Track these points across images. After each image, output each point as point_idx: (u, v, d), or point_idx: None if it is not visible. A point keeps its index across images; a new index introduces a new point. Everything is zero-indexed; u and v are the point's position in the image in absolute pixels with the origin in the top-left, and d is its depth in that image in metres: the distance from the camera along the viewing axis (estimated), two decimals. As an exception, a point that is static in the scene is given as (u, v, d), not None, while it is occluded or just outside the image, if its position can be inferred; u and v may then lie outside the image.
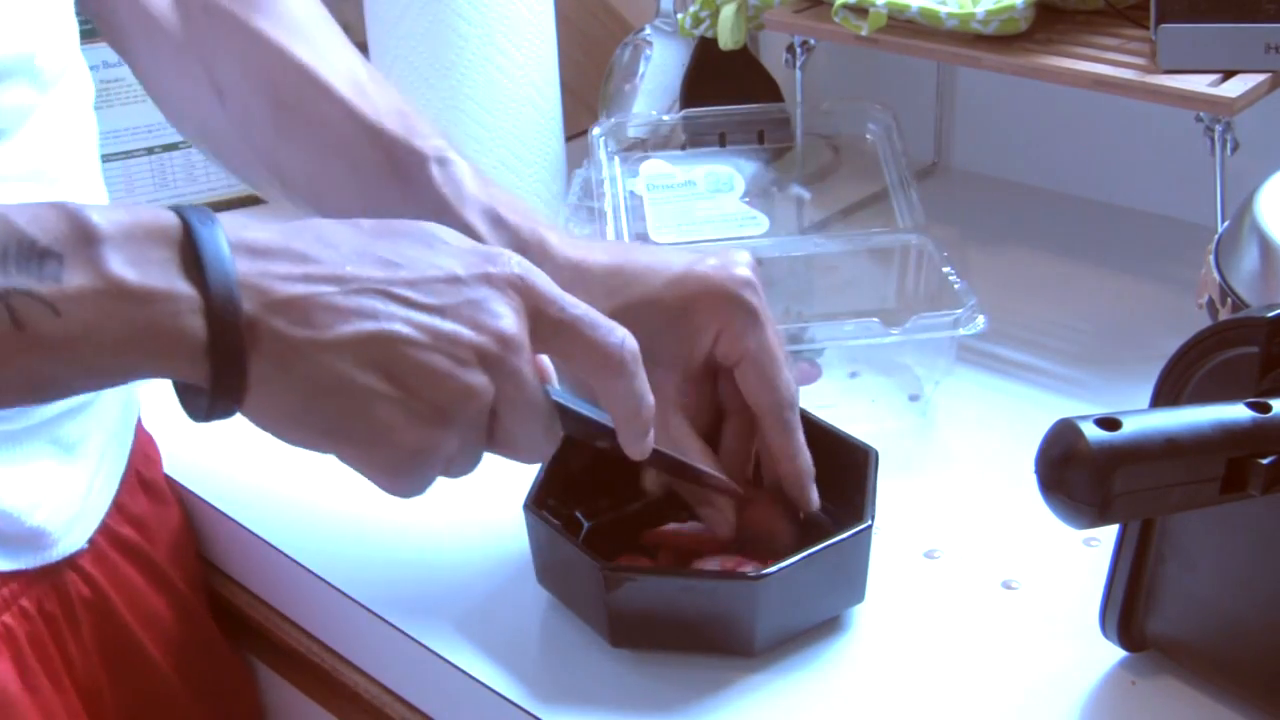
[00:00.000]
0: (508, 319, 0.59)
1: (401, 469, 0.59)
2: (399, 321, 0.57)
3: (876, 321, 0.85)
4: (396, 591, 0.77)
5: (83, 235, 0.54)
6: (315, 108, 0.78)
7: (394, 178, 0.76)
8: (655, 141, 1.05)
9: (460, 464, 0.62)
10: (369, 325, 0.57)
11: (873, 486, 0.73)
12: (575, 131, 1.22)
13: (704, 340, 0.71)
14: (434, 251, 0.60)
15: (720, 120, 1.04)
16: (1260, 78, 0.88)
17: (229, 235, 0.56)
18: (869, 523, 0.71)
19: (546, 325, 0.61)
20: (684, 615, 0.69)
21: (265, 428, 0.59)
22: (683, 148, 1.02)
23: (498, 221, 0.74)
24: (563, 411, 0.64)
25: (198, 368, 0.55)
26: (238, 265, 0.56)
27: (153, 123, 1.20)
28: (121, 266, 0.54)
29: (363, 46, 1.15)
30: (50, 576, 0.78)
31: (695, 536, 0.74)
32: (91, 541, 0.80)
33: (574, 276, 0.71)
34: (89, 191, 0.77)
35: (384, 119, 0.77)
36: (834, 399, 0.87)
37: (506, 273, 0.60)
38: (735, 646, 0.70)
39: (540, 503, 0.72)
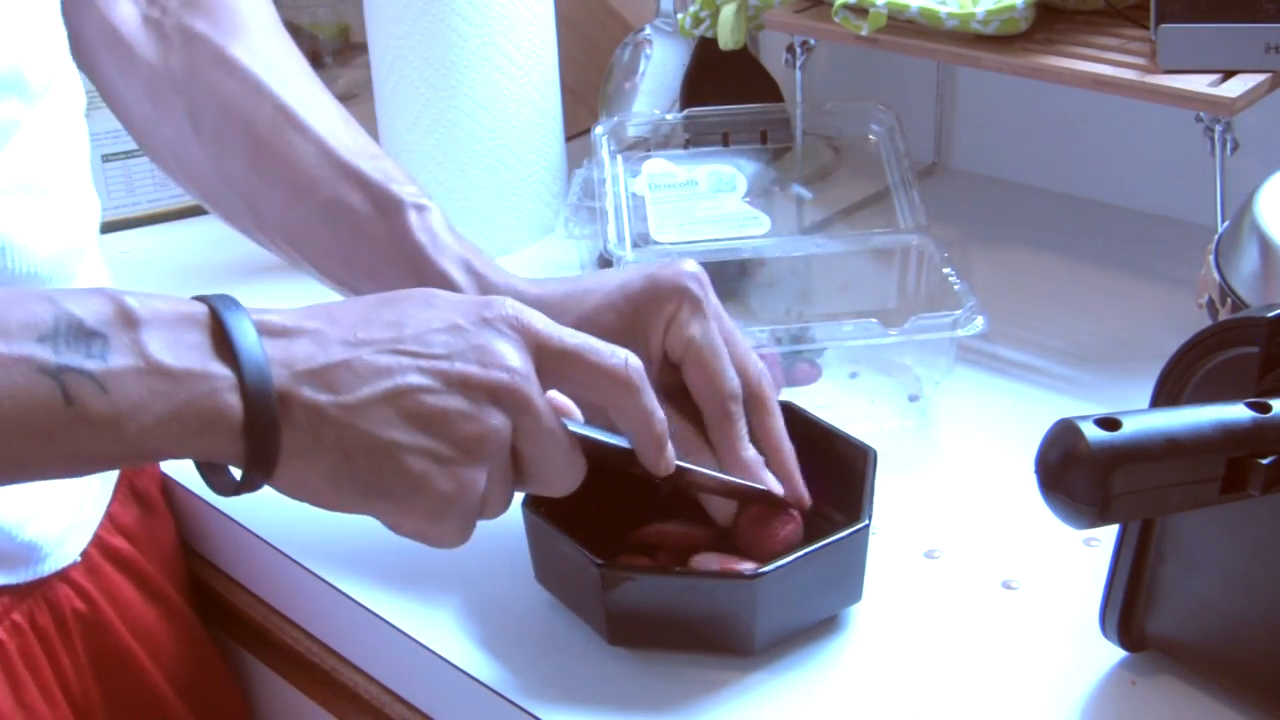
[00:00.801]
0: (512, 355, 0.62)
1: (440, 515, 0.62)
2: (413, 373, 0.61)
3: (875, 322, 0.85)
4: (396, 591, 0.77)
5: (125, 318, 0.57)
6: (291, 146, 0.79)
7: (369, 221, 0.77)
8: (657, 141, 1.05)
9: (494, 503, 0.64)
10: (386, 383, 0.60)
11: (871, 486, 0.73)
12: (575, 131, 1.22)
13: (656, 336, 0.73)
14: (433, 308, 0.63)
15: (723, 120, 1.04)
16: (1260, 78, 0.88)
17: (254, 318, 0.60)
18: (866, 522, 0.71)
19: (550, 358, 0.64)
20: (682, 614, 0.69)
21: (302, 497, 0.61)
22: (685, 146, 1.02)
23: (470, 270, 0.77)
24: (583, 441, 0.66)
25: (233, 443, 0.58)
26: (266, 344, 0.59)
27: (153, 123, 1.20)
28: (161, 350, 0.57)
29: (363, 46, 1.15)
30: (42, 590, 0.77)
31: (691, 534, 0.74)
32: (84, 554, 0.80)
33: (539, 309, 0.72)
34: (79, 202, 0.76)
35: (361, 162, 0.79)
36: (834, 399, 0.87)
37: (503, 314, 0.63)
38: (734, 646, 0.70)
39: (538, 502, 0.72)
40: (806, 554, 0.69)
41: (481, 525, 0.79)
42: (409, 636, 0.74)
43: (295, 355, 0.60)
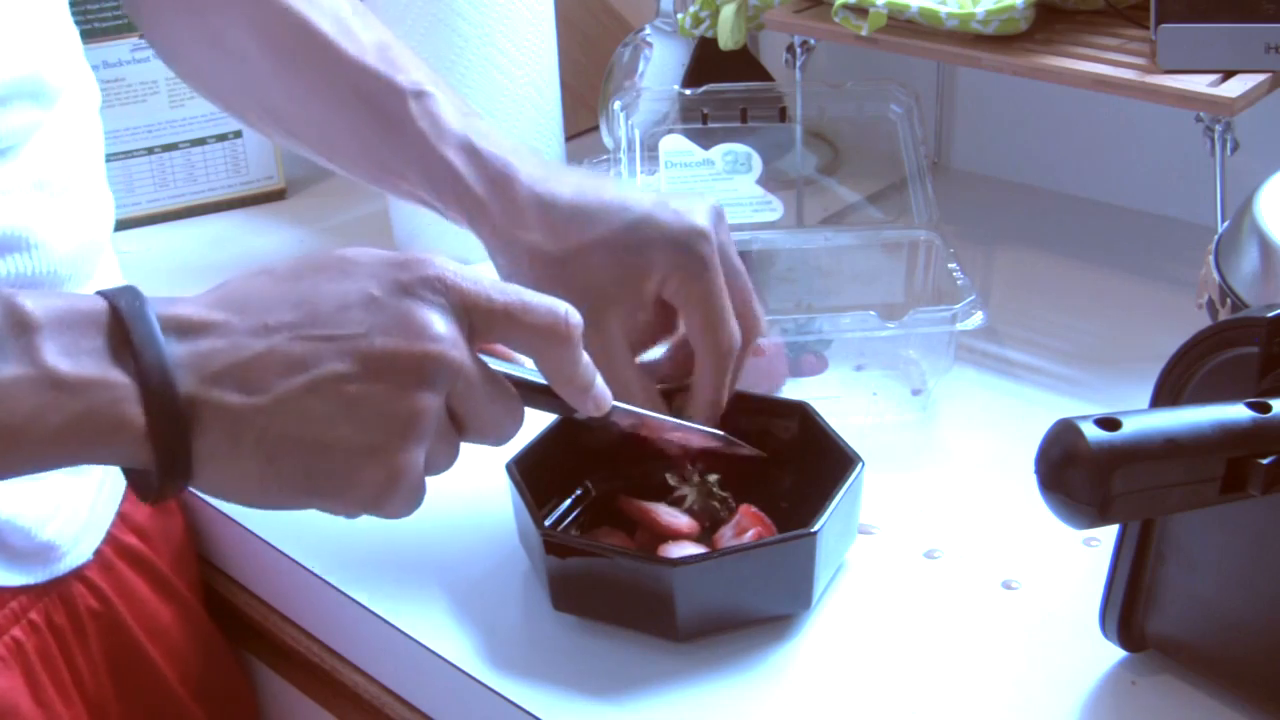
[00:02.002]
0: (437, 321, 0.58)
1: (382, 499, 0.58)
2: (330, 359, 0.56)
3: (874, 315, 0.85)
4: (396, 591, 0.77)
5: (18, 324, 0.54)
6: (306, 52, 0.79)
7: (375, 115, 0.78)
8: (667, 123, 1.05)
9: (439, 464, 0.61)
10: (303, 375, 0.56)
11: (843, 495, 0.73)
12: (575, 131, 1.22)
13: (652, 284, 0.73)
14: (348, 278, 0.59)
15: (741, 97, 1.03)
16: (1260, 78, 0.88)
17: (158, 313, 0.56)
18: (813, 531, 0.70)
19: (480, 317, 0.60)
20: (614, 590, 0.71)
21: (228, 499, 0.58)
22: (704, 121, 1.02)
23: (472, 153, 0.75)
24: (517, 386, 0.63)
25: (140, 452, 0.55)
26: (169, 346, 0.55)
27: (153, 123, 1.20)
28: (56, 356, 0.54)
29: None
30: (58, 589, 0.78)
31: (675, 524, 0.74)
32: (98, 552, 0.80)
33: (540, 211, 0.74)
34: (94, 198, 0.77)
35: (366, 57, 0.78)
36: (837, 391, 0.88)
37: (423, 275, 0.59)
38: (659, 628, 0.71)
39: (530, 469, 0.74)
40: (734, 550, 0.71)
41: (483, 527, 0.80)
42: (409, 636, 0.74)
43: (203, 354, 0.56)
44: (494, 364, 0.62)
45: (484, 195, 0.75)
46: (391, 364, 0.57)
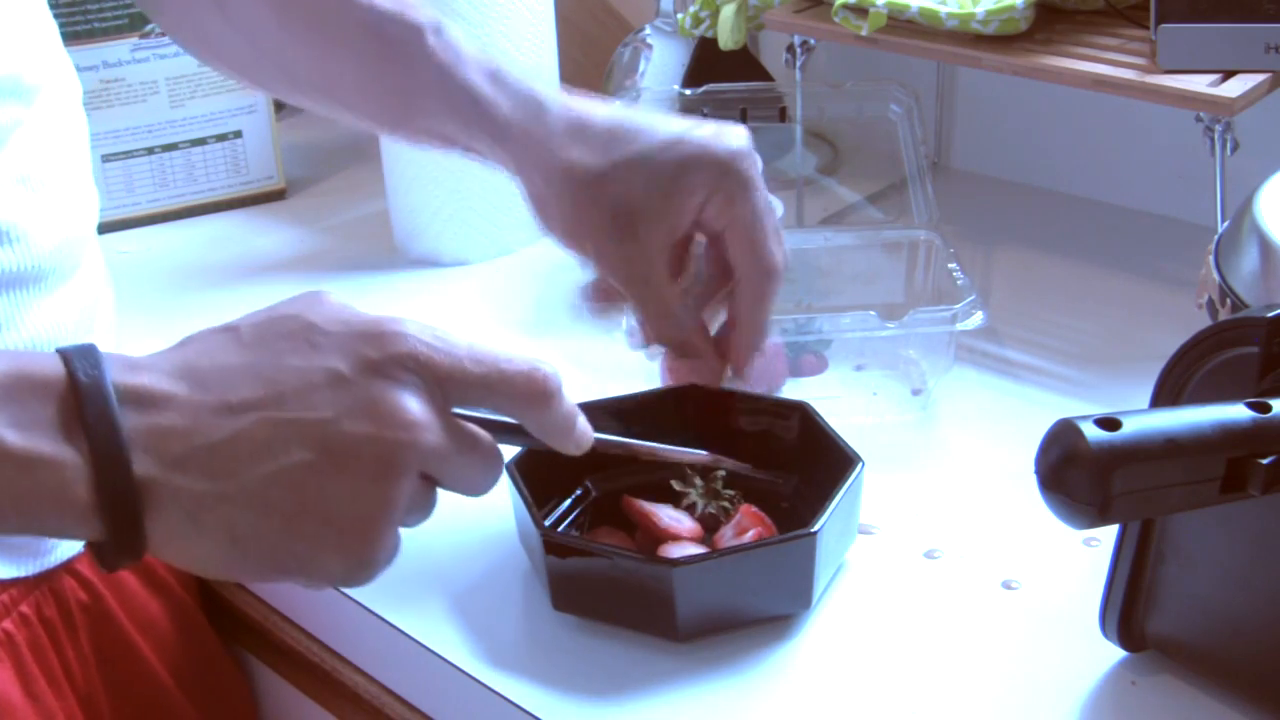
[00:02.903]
0: (409, 405, 0.55)
1: (351, 578, 0.56)
2: (297, 448, 0.54)
3: (874, 315, 0.85)
4: (396, 591, 0.77)
5: None
6: (313, 4, 0.79)
7: (392, 53, 0.77)
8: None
9: (413, 522, 0.59)
10: (269, 464, 0.53)
11: (843, 495, 0.73)
12: (575, 131, 1.22)
13: (693, 203, 0.72)
14: (315, 350, 0.55)
15: (741, 97, 1.03)
16: (1260, 78, 0.88)
17: (115, 381, 0.53)
18: (813, 531, 0.70)
19: (456, 389, 0.57)
20: (614, 590, 0.71)
21: (191, 570, 0.57)
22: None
23: (498, 79, 0.75)
24: (493, 427, 0.61)
25: (92, 530, 0.53)
26: (126, 420, 0.52)
27: (153, 123, 1.20)
28: (3, 428, 0.51)
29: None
30: (49, 581, 0.77)
31: (670, 529, 0.74)
32: (87, 545, 0.80)
33: (573, 132, 0.73)
34: (78, 192, 0.77)
35: None
36: (837, 390, 0.88)
37: (393, 353, 0.55)
38: (659, 628, 0.71)
39: (530, 469, 0.74)
40: (734, 550, 0.71)
41: (483, 527, 0.80)
42: (410, 637, 0.74)
43: (161, 433, 0.53)
44: (468, 409, 0.59)
45: (513, 117, 0.74)
46: (359, 454, 0.54)
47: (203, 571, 0.56)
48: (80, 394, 0.52)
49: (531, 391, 0.59)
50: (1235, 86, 0.87)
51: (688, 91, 1.03)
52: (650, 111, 0.77)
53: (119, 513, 0.52)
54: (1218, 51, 0.88)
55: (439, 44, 0.76)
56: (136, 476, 0.52)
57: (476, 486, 0.59)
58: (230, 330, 0.56)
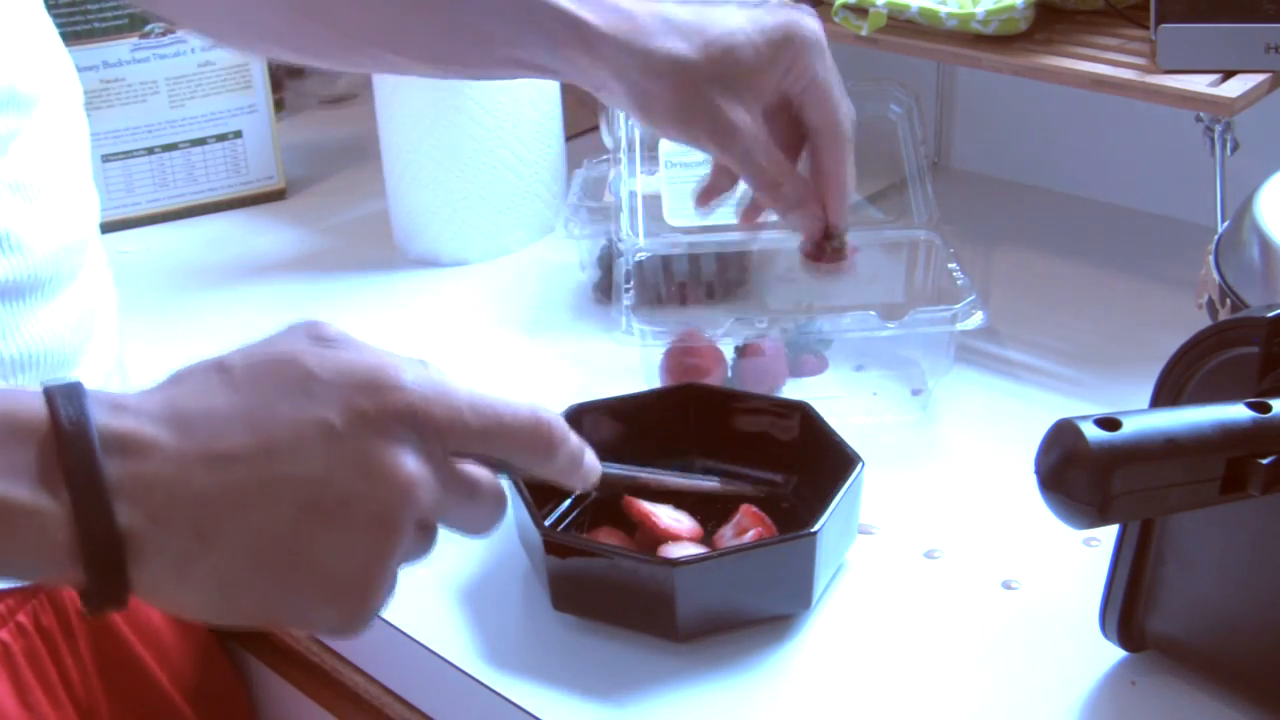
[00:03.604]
0: (404, 461, 0.53)
1: (345, 627, 0.54)
2: (287, 504, 0.51)
3: (874, 315, 0.85)
4: (396, 591, 0.77)
5: None
6: None
7: None
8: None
9: (412, 561, 0.56)
10: (259, 520, 0.51)
11: (843, 496, 0.73)
12: (575, 131, 1.22)
13: (780, 71, 0.77)
14: (308, 397, 0.53)
15: None
16: (1260, 78, 0.88)
17: (99, 425, 0.51)
18: (813, 531, 0.70)
19: (455, 440, 0.55)
20: (614, 590, 0.71)
21: (175, 613, 0.55)
22: None
23: None
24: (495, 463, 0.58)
25: (74, 578, 0.50)
26: (109, 468, 0.50)
27: (153, 123, 1.20)
28: None
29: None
30: (46, 590, 0.77)
31: (669, 530, 0.74)
32: None
33: (665, 27, 0.76)
34: (76, 197, 0.76)
35: None
36: (838, 390, 0.88)
37: (389, 406, 0.53)
38: (659, 628, 0.71)
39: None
40: (734, 550, 0.71)
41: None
42: (409, 636, 0.74)
43: (146, 483, 0.50)
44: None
45: (602, 22, 0.76)
46: (352, 512, 0.52)
47: (193, 617, 0.55)
48: (63, 440, 0.50)
49: (535, 441, 0.57)
50: (1235, 86, 0.87)
51: None
52: (722, 4, 0.80)
53: (101, 564, 0.50)
54: (1218, 51, 0.88)
55: None
56: (120, 528, 0.50)
57: (479, 529, 0.58)
58: (222, 370, 0.54)
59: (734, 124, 0.75)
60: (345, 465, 0.52)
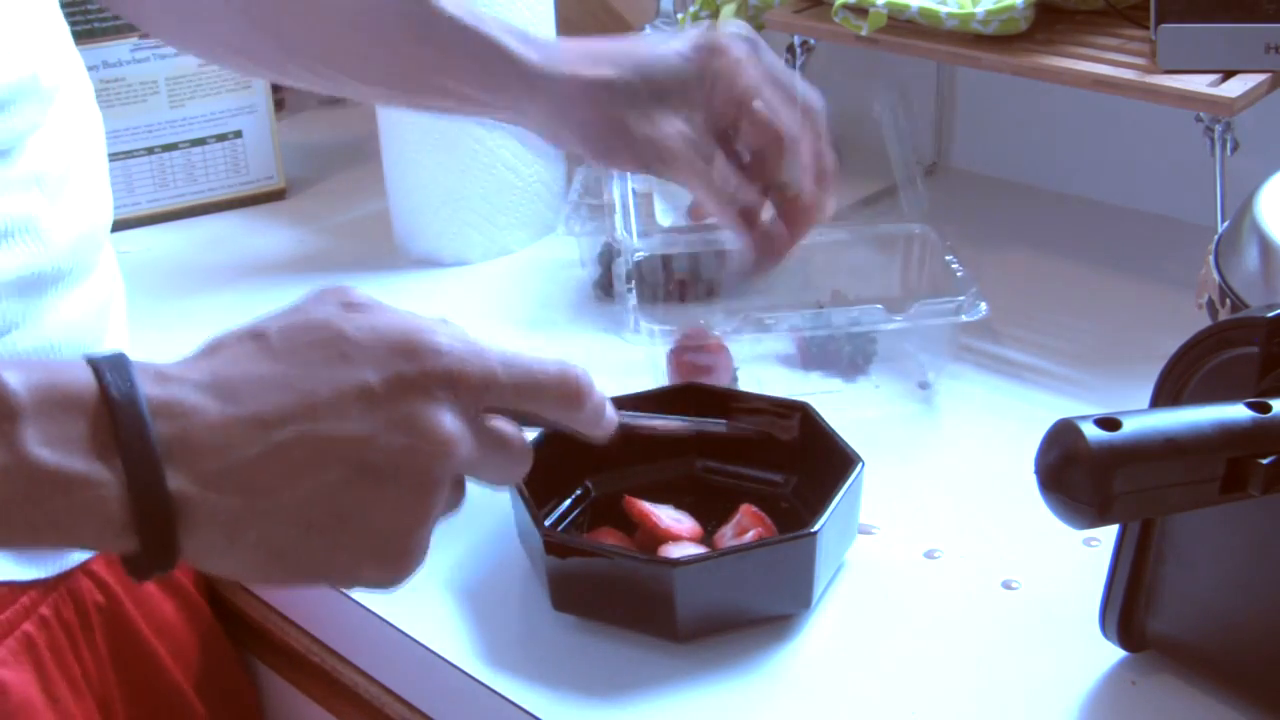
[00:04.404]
0: (443, 420, 0.55)
1: (387, 581, 0.56)
2: (332, 465, 0.53)
3: (880, 308, 0.85)
4: (396, 591, 0.77)
5: (3, 408, 0.51)
6: None
7: (406, 16, 0.79)
8: None
9: (445, 515, 0.58)
10: (304, 482, 0.53)
11: (843, 496, 0.73)
12: (575, 131, 1.22)
13: (711, 78, 0.77)
14: (347, 362, 0.55)
15: None
16: (1260, 78, 0.88)
17: (148, 396, 0.52)
18: (813, 531, 0.70)
19: (492, 398, 0.57)
20: (614, 590, 0.71)
21: (223, 576, 0.57)
22: None
23: (511, 31, 0.78)
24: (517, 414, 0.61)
25: (125, 544, 0.52)
26: (158, 436, 0.52)
27: (153, 123, 1.20)
28: (38, 445, 0.51)
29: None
30: (66, 584, 0.78)
31: (670, 530, 0.75)
32: None
33: (595, 59, 0.77)
34: (94, 190, 0.77)
35: None
36: (839, 384, 0.88)
37: (427, 369, 0.55)
38: (659, 628, 0.71)
39: (530, 469, 0.74)
40: (735, 551, 0.71)
41: (484, 526, 0.80)
42: (409, 636, 0.74)
43: (195, 450, 0.52)
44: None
45: (538, 58, 0.78)
46: (395, 471, 0.54)
47: (238, 579, 0.57)
48: (114, 411, 0.51)
49: (565, 394, 0.59)
50: (1235, 86, 0.87)
51: None
52: (650, 34, 0.83)
53: (153, 530, 0.52)
54: (1218, 51, 0.88)
55: (453, 2, 0.79)
56: (171, 494, 0.51)
57: (507, 479, 0.61)
58: (258, 336, 0.55)
59: (670, 138, 0.74)
60: (387, 425, 0.54)
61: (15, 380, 0.51)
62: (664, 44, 0.79)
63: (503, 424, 0.59)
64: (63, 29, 0.76)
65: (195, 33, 0.86)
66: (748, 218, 0.79)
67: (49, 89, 0.72)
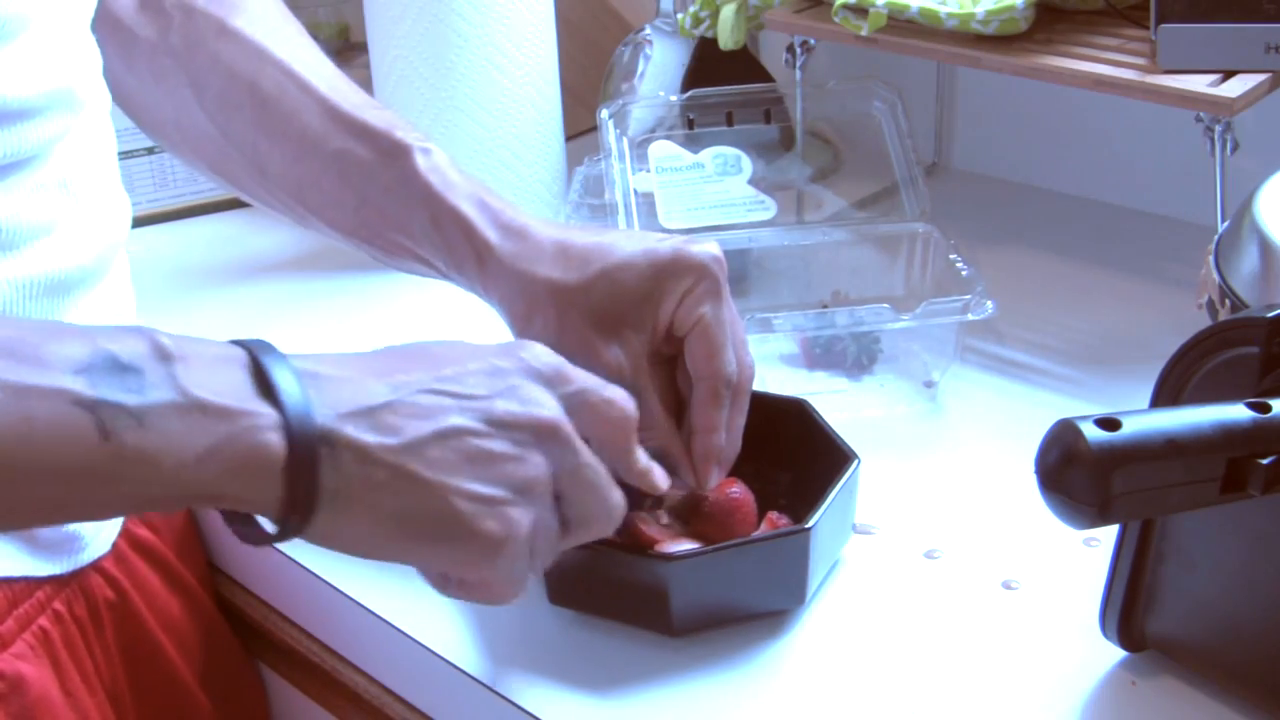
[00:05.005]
0: (550, 400, 0.62)
1: (490, 558, 0.60)
2: (456, 414, 0.60)
3: (887, 307, 0.85)
4: (396, 592, 0.77)
5: (161, 355, 0.56)
6: (295, 101, 0.80)
7: (378, 167, 0.78)
8: (663, 126, 1.05)
9: (542, 549, 0.63)
10: (433, 424, 0.59)
11: (837, 493, 0.73)
12: (575, 131, 1.22)
13: (669, 305, 0.73)
14: (470, 349, 0.63)
15: (726, 100, 1.03)
16: (1260, 78, 0.88)
17: (290, 359, 0.58)
18: (807, 527, 0.71)
19: (569, 397, 0.64)
20: (610, 585, 0.71)
21: (341, 545, 0.59)
22: (690, 126, 1.02)
23: (484, 206, 0.76)
24: None
25: (272, 484, 0.56)
26: (302, 378, 0.58)
27: (153, 123, 1.20)
28: (199, 386, 0.55)
29: (362, 46, 1.15)
30: (78, 580, 0.78)
31: (644, 533, 0.74)
32: (114, 544, 0.81)
33: (558, 251, 0.74)
34: (109, 197, 0.78)
35: (364, 113, 0.79)
36: (844, 384, 0.88)
37: (537, 355, 0.64)
38: (654, 623, 0.71)
39: None
40: (728, 547, 0.71)
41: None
42: (409, 636, 0.74)
43: (337, 396, 0.58)
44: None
45: (498, 241, 0.75)
46: (512, 426, 0.61)
47: (353, 543, 0.59)
48: (263, 365, 0.57)
49: (624, 413, 0.65)
50: (1235, 86, 0.87)
51: (673, 98, 1.03)
52: (623, 230, 0.80)
53: (304, 462, 0.56)
54: (1218, 51, 0.88)
55: (428, 165, 0.77)
56: (320, 427, 0.57)
57: (602, 509, 0.64)
58: (380, 350, 0.63)
59: (606, 362, 0.72)
60: (505, 391, 0.61)
61: (168, 339, 0.56)
62: (632, 245, 0.74)
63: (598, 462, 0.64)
64: (94, 48, 0.77)
65: (187, 150, 0.88)
66: (663, 454, 0.75)
67: (81, 101, 0.73)
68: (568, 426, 0.62)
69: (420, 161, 0.77)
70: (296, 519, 0.57)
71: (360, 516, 0.58)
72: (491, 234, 0.75)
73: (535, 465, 0.61)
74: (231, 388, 0.56)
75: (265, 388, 0.57)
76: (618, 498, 0.65)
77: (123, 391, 0.54)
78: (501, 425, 0.60)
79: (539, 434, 0.61)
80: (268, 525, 0.59)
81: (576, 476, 0.63)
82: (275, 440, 0.56)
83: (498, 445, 0.60)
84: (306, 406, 0.57)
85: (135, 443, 0.54)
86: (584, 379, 0.64)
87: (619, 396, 0.65)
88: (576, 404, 0.64)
